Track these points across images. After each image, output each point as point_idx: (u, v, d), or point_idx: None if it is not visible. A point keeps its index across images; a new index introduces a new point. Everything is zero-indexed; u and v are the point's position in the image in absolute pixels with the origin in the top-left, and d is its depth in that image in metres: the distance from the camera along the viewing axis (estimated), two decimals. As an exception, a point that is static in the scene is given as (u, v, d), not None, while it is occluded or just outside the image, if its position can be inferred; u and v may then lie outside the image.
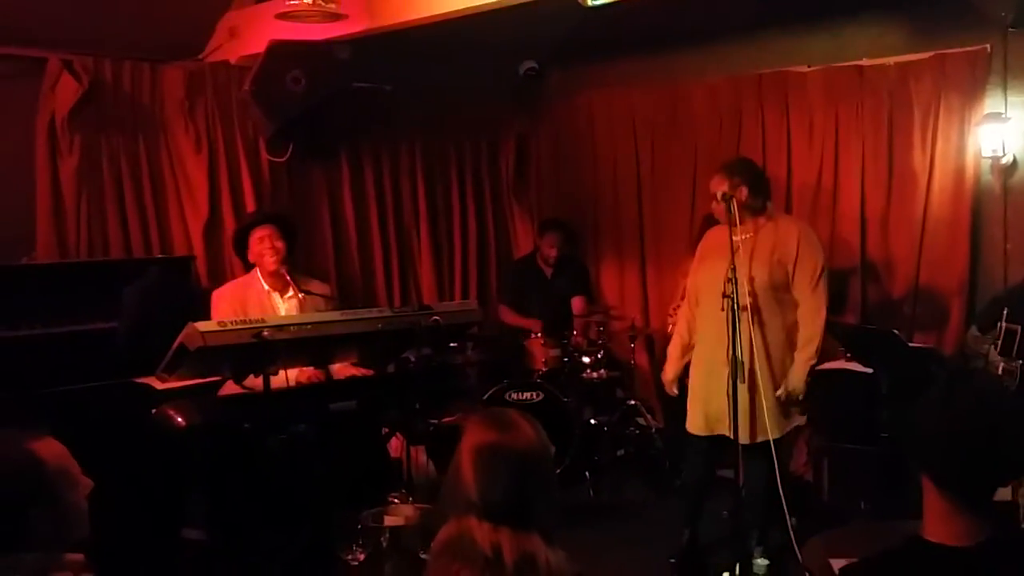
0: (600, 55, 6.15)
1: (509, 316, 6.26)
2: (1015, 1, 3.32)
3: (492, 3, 4.27)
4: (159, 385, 4.01)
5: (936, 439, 1.78)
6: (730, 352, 4.05)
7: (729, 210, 4.16)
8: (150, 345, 4.60)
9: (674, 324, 4.92)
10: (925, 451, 1.81)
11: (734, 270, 4.03)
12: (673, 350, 4.60)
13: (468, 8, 4.34)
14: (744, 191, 4.23)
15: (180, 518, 4.30)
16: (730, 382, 4.06)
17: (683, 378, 4.59)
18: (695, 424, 4.38)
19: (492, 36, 5.20)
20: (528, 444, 1.95)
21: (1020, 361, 4.21)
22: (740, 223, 4.16)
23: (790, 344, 4.29)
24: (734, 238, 4.18)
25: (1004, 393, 1.81)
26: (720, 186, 4.26)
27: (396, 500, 3.32)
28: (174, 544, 4.24)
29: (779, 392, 4.21)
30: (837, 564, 2.78)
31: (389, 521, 3.11)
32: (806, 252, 4.25)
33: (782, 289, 4.25)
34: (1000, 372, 4.29)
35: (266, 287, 4.51)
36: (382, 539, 2.98)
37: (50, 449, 2.07)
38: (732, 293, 4.02)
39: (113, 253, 5.03)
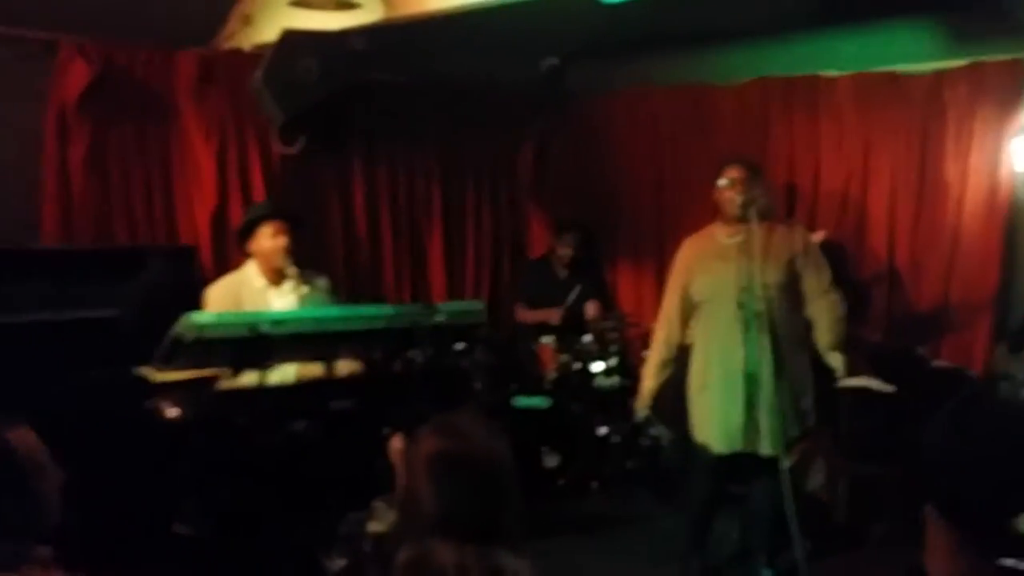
0: (624, 54, 5.99)
1: (525, 314, 6.12)
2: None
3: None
4: (156, 377, 3.92)
5: (945, 464, 1.62)
6: (747, 362, 3.91)
7: (748, 216, 4.00)
8: (153, 335, 4.57)
9: None
10: (932, 476, 1.66)
11: (751, 276, 3.91)
12: (651, 367, 4.41)
13: (485, 1, 4.22)
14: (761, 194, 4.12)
15: (173, 513, 4.20)
16: (747, 394, 3.92)
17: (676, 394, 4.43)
18: (715, 442, 4.14)
19: (512, 32, 5.08)
20: (487, 450, 1.84)
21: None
22: (734, 226, 4.10)
23: (802, 347, 4.16)
24: (727, 240, 4.08)
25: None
26: (736, 173, 4.13)
27: (381, 505, 3.18)
28: (166, 539, 4.15)
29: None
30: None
31: (372, 527, 2.97)
32: (815, 251, 4.18)
33: (791, 291, 4.10)
34: (1026, 394, 4.12)
35: (262, 283, 4.41)
36: (364, 545, 2.84)
37: (21, 438, 2.05)
38: (747, 300, 3.89)
39: (119, 241, 4.93)
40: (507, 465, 1.88)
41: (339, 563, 2.78)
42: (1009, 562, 1.61)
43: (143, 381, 4.04)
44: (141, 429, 4.01)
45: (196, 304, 4.21)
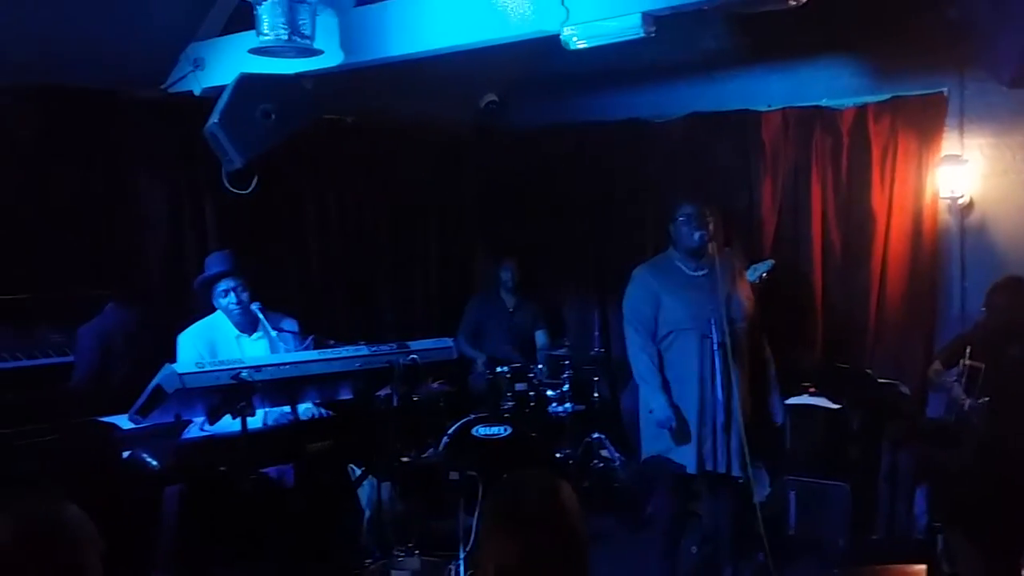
0: (563, 89, 6.18)
1: (469, 350, 6.22)
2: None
3: (471, 42, 4.27)
4: (125, 426, 3.90)
5: (969, 496, 1.83)
6: (716, 389, 4.09)
7: (708, 250, 4.21)
8: (109, 383, 4.52)
9: None
10: (958, 506, 1.86)
11: (713, 309, 4.09)
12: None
13: (449, 47, 4.33)
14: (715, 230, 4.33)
15: (151, 561, 4.16)
16: (717, 418, 4.12)
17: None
18: (691, 463, 4.26)
19: (454, 68, 5.19)
20: (541, 508, 1.90)
21: (986, 399, 4.36)
22: (694, 258, 4.30)
23: (751, 376, 4.37)
24: (692, 272, 4.29)
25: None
26: (694, 209, 4.32)
27: (402, 554, 3.25)
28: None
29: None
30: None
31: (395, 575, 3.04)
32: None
33: (749, 322, 4.33)
34: (967, 409, 4.43)
35: (234, 331, 4.43)
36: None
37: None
38: (712, 332, 4.08)
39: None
40: (566, 523, 1.90)
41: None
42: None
43: (112, 430, 4.02)
44: (115, 478, 3.97)
45: (149, 349, 4.20)
